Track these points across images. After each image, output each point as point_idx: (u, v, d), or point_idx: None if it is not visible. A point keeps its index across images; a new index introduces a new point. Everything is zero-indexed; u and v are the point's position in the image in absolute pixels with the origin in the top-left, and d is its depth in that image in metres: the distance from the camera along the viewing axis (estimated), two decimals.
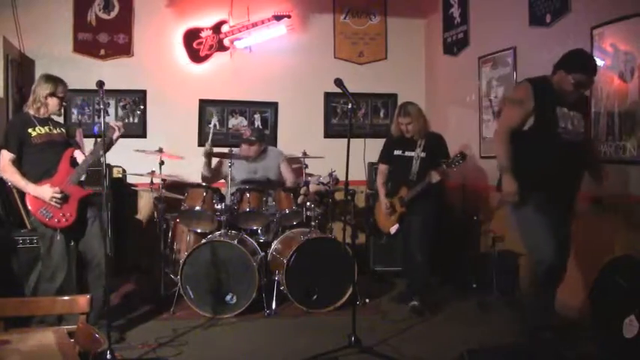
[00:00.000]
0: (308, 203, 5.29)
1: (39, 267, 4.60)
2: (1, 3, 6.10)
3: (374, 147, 5.38)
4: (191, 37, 6.69)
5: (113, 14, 6.59)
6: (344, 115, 7.06)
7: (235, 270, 4.87)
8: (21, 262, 4.60)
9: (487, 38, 6.07)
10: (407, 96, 7.27)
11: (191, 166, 6.13)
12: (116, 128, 4.23)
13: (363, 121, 7.23)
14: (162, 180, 5.33)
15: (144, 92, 6.63)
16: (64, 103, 4.28)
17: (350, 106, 4.15)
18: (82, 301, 2.59)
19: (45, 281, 4.14)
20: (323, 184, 5.43)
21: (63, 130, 4.31)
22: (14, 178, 4.07)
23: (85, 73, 6.31)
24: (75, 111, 6.50)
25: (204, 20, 6.72)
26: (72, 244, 4.26)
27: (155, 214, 5.55)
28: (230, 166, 5.23)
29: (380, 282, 6.04)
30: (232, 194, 5.31)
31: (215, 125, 6.74)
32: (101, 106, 3.80)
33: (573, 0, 4.83)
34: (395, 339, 4.34)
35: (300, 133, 6.95)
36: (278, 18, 6.66)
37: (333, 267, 4.93)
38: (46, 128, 4.18)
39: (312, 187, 5.55)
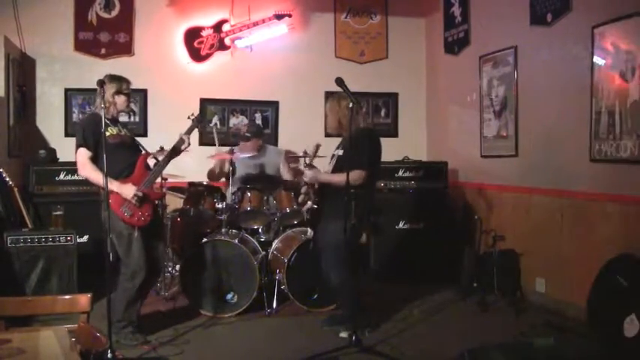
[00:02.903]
0: (309, 203, 5.28)
1: (40, 266, 4.62)
2: (2, 2, 6.10)
3: None
4: (192, 36, 6.69)
5: (114, 13, 6.59)
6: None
7: (236, 269, 4.87)
8: (22, 261, 4.60)
9: (488, 37, 6.07)
10: (408, 95, 7.34)
11: (192, 166, 6.13)
12: (186, 139, 4.42)
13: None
14: (163, 179, 5.32)
15: (145, 91, 6.63)
16: (130, 100, 4.43)
17: (351, 105, 4.15)
18: (83, 300, 2.60)
19: (125, 281, 4.19)
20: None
21: (128, 132, 4.46)
22: (95, 175, 4.09)
23: (85, 72, 6.33)
24: (75, 110, 6.50)
25: (205, 19, 6.72)
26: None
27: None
28: (231, 166, 5.24)
29: (380, 281, 6.03)
30: (233, 193, 5.31)
31: (216, 124, 6.76)
32: (102, 106, 3.82)
33: None
34: (395, 338, 4.35)
35: (301, 132, 6.93)
36: (279, 17, 6.65)
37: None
38: (117, 129, 4.30)
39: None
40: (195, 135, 6.70)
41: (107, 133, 4.16)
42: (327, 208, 4.48)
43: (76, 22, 6.49)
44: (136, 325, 4.26)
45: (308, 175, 4.59)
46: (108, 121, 4.22)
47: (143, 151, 4.44)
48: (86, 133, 4.17)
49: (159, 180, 5.21)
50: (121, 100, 4.29)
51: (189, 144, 4.51)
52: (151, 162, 4.47)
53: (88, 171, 4.14)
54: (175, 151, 4.42)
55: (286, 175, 5.90)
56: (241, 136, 5.85)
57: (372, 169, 4.39)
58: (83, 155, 4.13)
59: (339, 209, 4.17)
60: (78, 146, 4.17)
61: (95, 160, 4.14)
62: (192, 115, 4.71)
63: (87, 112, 6.41)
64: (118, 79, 4.29)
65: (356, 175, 4.26)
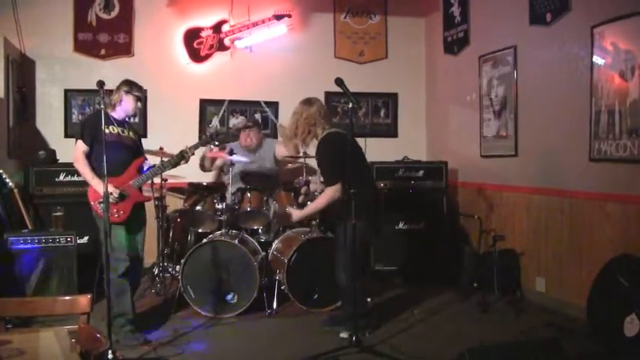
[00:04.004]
0: (309, 203, 5.27)
1: (40, 267, 4.62)
2: (2, 3, 6.10)
3: (375, 146, 5.39)
4: (191, 36, 6.69)
5: (113, 14, 6.59)
6: (344, 114, 7.05)
7: (236, 269, 4.87)
8: (22, 262, 4.60)
9: (487, 37, 6.07)
10: (407, 95, 7.34)
11: (192, 166, 6.11)
12: (187, 156, 4.56)
13: (364, 121, 7.23)
14: (163, 180, 5.32)
15: (144, 92, 6.62)
16: (139, 104, 4.49)
17: (350, 105, 4.14)
18: (83, 301, 2.59)
19: (111, 271, 4.17)
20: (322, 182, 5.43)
21: (135, 135, 4.55)
22: (84, 169, 4.27)
23: (85, 73, 6.34)
24: (75, 111, 6.50)
25: (205, 20, 6.72)
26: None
27: (156, 214, 5.55)
28: (231, 167, 5.24)
29: (380, 281, 6.03)
30: (233, 194, 5.31)
31: (216, 125, 6.76)
32: (102, 106, 3.85)
33: None
34: (395, 338, 4.34)
35: None
36: (278, 17, 6.66)
37: (333, 266, 4.92)
38: (120, 129, 4.39)
39: (313, 187, 5.54)
40: (195, 135, 6.76)
41: (107, 131, 4.25)
42: (337, 211, 4.48)
43: (75, 22, 6.49)
44: (132, 320, 4.28)
45: (295, 217, 4.67)
46: (113, 120, 4.37)
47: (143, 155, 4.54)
48: (86, 127, 4.33)
49: (158, 180, 5.23)
50: (129, 99, 4.39)
51: (187, 161, 4.60)
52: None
53: (79, 165, 4.29)
54: (174, 163, 4.55)
55: (280, 151, 5.89)
56: (243, 126, 5.88)
57: (349, 173, 4.08)
58: (78, 148, 4.30)
59: (344, 211, 4.17)
60: (76, 139, 4.34)
61: (90, 155, 4.28)
62: (206, 134, 4.79)
63: (86, 113, 6.47)
64: (130, 82, 4.47)
65: (329, 194, 4.35)
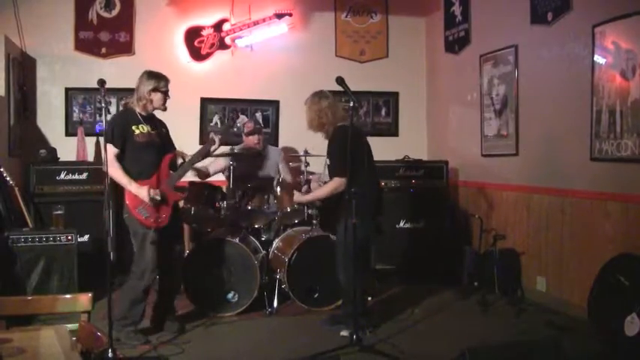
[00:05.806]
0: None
1: (40, 266, 4.62)
2: (3, 2, 6.10)
3: (375, 145, 5.35)
4: (192, 35, 6.69)
5: (114, 12, 6.59)
6: (345, 113, 7.02)
7: (237, 268, 4.87)
8: (22, 260, 4.61)
9: (488, 36, 6.06)
10: (408, 94, 7.33)
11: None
12: (216, 140, 4.46)
13: (365, 120, 7.22)
14: None
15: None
16: (167, 97, 4.35)
17: (351, 104, 4.14)
18: (84, 299, 2.59)
19: (134, 279, 4.18)
20: (325, 182, 5.42)
21: (163, 130, 4.43)
22: (118, 173, 4.11)
23: (86, 71, 6.33)
24: (76, 109, 6.50)
25: (206, 18, 6.72)
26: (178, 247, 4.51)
27: None
28: (232, 166, 5.23)
29: (381, 280, 6.03)
30: (234, 192, 5.30)
31: (216, 124, 6.76)
32: (102, 105, 3.82)
33: None
34: (396, 337, 4.34)
35: (302, 131, 6.80)
36: (279, 16, 6.65)
37: (334, 265, 4.92)
38: (149, 127, 4.26)
39: (314, 186, 5.53)
40: (196, 134, 6.75)
41: (137, 131, 4.21)
42: (338, 208, 4.49)
43: (76, 21, 6.48)
44: (138, 323, 4.26)
45: (296, 198, 4.74)
46: (141, 118, 4.26)
47: (171, 151, 4.42)
48: (115, 130, 4.18)
49: None
50: (157, 97, 4.26)
51: (219, 145, 4.53)
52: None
53: (113, 169, 4.09)
54: (203, 153, 4.45)
55: (287, 176, 5.89)
56: (250, 131, 5.86)
57: (353, 168, 4.13)
58: (110, 152, 4.14)
59: (344, 209, 4.17)
60: (106, 142, 4.18)
61: (122, 157, 4.16)
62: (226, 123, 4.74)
63: (87, 111, 6.46)
64: (156, 77, 4.28)
65: (334, 185, 4.39)
